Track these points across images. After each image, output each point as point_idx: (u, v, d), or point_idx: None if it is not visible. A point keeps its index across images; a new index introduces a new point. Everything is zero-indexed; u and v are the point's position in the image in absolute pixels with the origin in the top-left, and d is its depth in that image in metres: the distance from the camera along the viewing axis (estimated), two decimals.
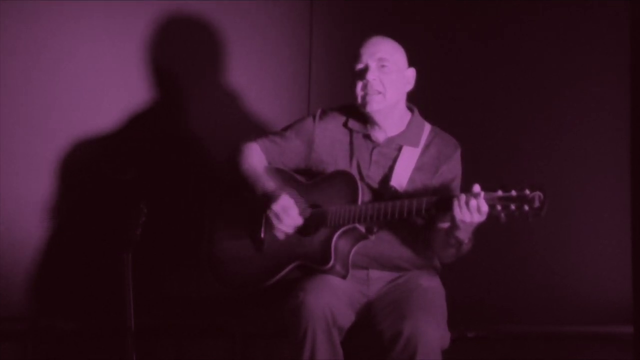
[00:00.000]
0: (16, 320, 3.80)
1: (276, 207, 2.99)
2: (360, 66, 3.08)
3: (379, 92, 3.06)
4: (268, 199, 3.02)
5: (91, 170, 3.82)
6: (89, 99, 3.83)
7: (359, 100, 3.08)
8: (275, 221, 3.01)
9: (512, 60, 3.99)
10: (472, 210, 2.83)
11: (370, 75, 3.05)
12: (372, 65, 3.06)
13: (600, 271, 3.94)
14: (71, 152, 3.81)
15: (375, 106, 3.07)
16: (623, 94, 3.89)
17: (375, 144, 3.13)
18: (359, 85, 3.08)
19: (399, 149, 3.12)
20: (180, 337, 3.87)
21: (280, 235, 3.04)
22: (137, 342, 3.16)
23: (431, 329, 2.84)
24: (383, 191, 3.07)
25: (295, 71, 3.97)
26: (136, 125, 3.85)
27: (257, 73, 3.94)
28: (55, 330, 3.80)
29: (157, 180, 3.85)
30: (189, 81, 3.91)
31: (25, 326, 3.79)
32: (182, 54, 3.90)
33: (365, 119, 3.14)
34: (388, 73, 3.07)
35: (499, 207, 2.83)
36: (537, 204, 2.79)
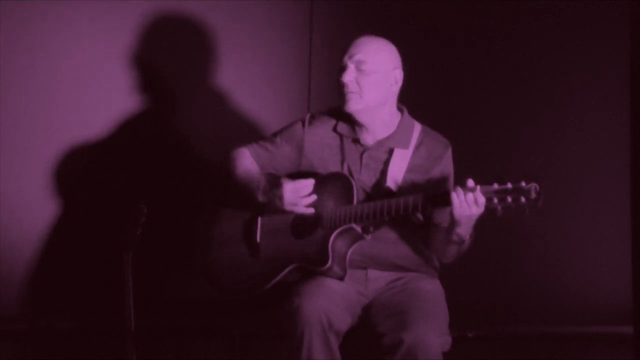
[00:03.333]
0: (16, 320, 3.80)
1: (287, 199, 2.99)
2: (340, 66, 3.07)
3: (356, 93, 3.04)
4: (271, 196, 3.02)
5: (91, 171, 3.83)
6: (89, 101, 3.83)
7: (340, 99, 3.07)
8: (297, 209, 3.01)
9: (511, 59, 3.98)
10: (469, 203, 2.83)
11: (345, 77, 3.04)
12: (350, 66, 3.05)
13: (600, 271, 3.94)
14: (71, 154, 3.81)
15: (352, 106, 3.05)
16: (623, 93, 3.90)
17: (364, 148, 3.11)
18: (339, 85, 3.07)
19: (390, 152, 3.10)
20: (180, 337, 3.87)
21: (308, 210, 3.02)
22: (137, 342, 3.16)
23: (432, 338, 2.82)
24: (376, 195, 3.06)
25: (295, 71, 3.97)
26: (137, 126, 3.85)
27: (257, 73, 3.94)
28: (55, 330, 3.80)
29: (158, 180, 3.85)
30: (190, 82, 3.91)
31: (25, 326, 3.80)
32: (182, 55, 3.90)
33: (354, 122, 3.13)
34: (366, 74, 3.04)
35: (495, 200, 2.81)
36: (533, 195, 2.78)
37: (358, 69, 3.05)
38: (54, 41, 3.82)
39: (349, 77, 3.04)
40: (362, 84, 3.04)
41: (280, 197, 3.01)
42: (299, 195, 3.01)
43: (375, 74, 3.05)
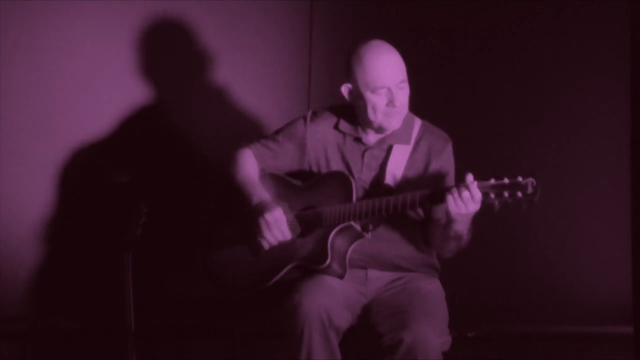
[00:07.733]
0: (16, 320, 3.80)
1: (269, 216, 2.98)
2: (383, 91, 3.00)
3: (402, 112, 3.06)
4: (263, 207, 3.02)
5: (91, 171, 3.83)
6: (88, 101, 3.83)
7: (379, 119, 3.03)
8: (264, 229, 3.00)
9: (511, 57, 3.99)
10: (465, 201, 2.82)
11: (397, 101, 3.00)
12: (394, 89, 3.00)
13: (600, 271, 3.94)
14: (71, 153, 3.81)
15: (396, 125, 3.06)
16: (623, 92, 3.90)
17: (366, 147, 3.12)
18: (381, 108, 3.02)
19: (390, 148, 3.10)
20: (180, 337, 3.88)
21: (265, 245, 3.02)
22: (137, 342, 3.17)
23: (432, 338, 2.83)
24: (376, 192, 3.06)
25: (295, 71, 3.97)
26: (137, 126, 3.86)
27: (257, 73, 3.94)
28: (55, 330, 3.81)
29: (158, 180, 3.85)
30: (190, 82, 3.91)
31: (25, 326, 3.80)
32: (182, 55, 3.90)
33: (356, 122, 3.13)
34: (405, 88, 3.04)
35: (492, 196, 2.82)
36: (530, 190, 2.78)
37: (402, 89, 3.03)
38: (54, 41, 3.82)
39: (399, 100, 3.01)
40: (405, 100, 3.05)
41: (262, 214, 2.99)
42: (276, 226, 2.98)
43: (407, 86, 3.06)
